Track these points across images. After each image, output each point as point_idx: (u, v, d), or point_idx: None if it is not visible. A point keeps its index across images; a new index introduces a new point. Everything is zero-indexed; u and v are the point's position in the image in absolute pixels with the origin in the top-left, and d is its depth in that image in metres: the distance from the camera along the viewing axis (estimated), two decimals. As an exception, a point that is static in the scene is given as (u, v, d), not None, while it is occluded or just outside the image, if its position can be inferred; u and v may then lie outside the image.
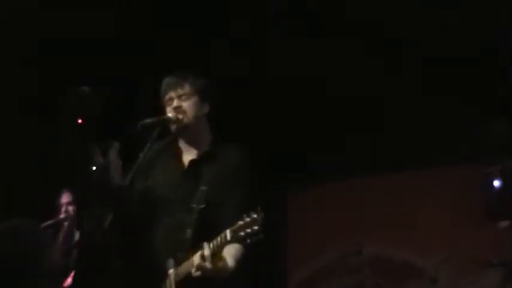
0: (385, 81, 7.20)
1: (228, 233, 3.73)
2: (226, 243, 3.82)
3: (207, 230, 4.02)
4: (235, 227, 3.73)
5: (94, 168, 4.29)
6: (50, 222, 5.66)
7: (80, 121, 5.11)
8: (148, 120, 4.21)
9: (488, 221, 6.66)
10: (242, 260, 4.05)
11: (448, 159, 7.44)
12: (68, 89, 5.09)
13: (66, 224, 5.79)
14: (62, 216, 5.79)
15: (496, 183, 6.54)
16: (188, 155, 4.35)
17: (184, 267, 3.98)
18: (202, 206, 4.15)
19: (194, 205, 4.16)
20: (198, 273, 3.84)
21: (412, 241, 7.67)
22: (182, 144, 4.37)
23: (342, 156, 7.82)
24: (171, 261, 4.12)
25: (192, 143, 4.35)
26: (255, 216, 3.69)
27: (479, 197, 6.88)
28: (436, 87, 7.26)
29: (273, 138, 7.79)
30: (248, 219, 3.68)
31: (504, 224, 6.39)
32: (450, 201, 7.40)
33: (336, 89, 7.37)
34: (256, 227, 3.67)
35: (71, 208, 5.82)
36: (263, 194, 4.53)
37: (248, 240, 3.70)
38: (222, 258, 3.88)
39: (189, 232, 4.11)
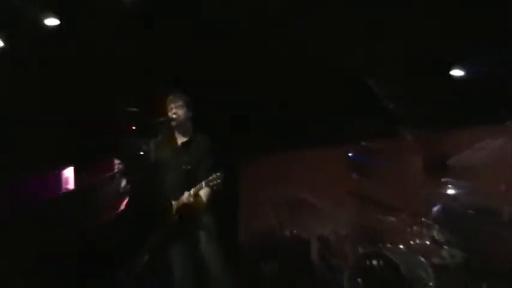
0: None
1: (203, 183, 5.59)
2: (201, 188, 5.64)
3: (192, 181, 5.78)
4: (207, 180, 5.56)
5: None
6: (110, 173, 8.06)
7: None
8: (162, 119, 5.97)
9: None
10: (211, 198, 5.78)
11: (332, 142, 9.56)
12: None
13: (117, 175, 8.06)
14: (116, 170, 8.12)
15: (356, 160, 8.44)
16: (180, 139, 6.07)
17: (180, 200, 5.76)
18: (189, 167, 5.89)
19: (184, 167, 5.94)
20: (187, 200, 5.62)
21: (315, 191, 10.03)
22: (177, 133, 6.07)
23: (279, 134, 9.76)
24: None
25: (182, 133, 6.05)
26: (217, 174, 5.52)
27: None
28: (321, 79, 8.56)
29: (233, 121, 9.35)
30: (214, 176, 5.52)
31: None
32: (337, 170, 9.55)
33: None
34: (218, 180, 5.50)
35: (121, 166, 8.09)
36: (225, 162, 5.96)
37: (214, 187, 5.51)
38: (199, 196, 5.69)
39: (182, 182, 5.86)
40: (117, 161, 8.33)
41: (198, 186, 5.63)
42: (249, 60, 8.07)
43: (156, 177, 6.14)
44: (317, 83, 8.33)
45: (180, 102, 5.98)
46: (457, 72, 8.45)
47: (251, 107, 8.89)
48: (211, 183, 5.53)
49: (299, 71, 8.30)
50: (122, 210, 7.59)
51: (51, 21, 7.21)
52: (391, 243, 7.79)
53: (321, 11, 7.10)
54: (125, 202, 7.69)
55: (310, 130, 9.48)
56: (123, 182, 8.08)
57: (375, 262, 7.22)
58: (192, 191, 5.66)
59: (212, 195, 5.82)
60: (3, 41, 7.20)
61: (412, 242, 7.62)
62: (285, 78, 8.40)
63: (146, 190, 6.37)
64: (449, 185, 7.60)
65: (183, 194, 5.79)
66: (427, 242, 7.53)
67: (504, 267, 7.39)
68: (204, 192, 5.74)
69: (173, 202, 5.85)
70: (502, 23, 7.11)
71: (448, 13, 6.95)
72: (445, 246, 7.35)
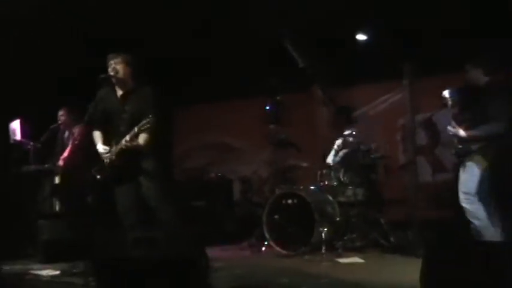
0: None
1: (136, 128, 5.85)
2: (135, 133, 5.85)
3: (132, 127, 5.97)
4: (139, 125, 5.83)
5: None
6: (55, 125, 8.66)
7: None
8: (103, 75, 6.16)
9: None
10: (148, 141, 6.00)
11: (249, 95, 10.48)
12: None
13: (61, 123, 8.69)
14: (60, 122, 8.75)
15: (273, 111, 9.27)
16: (120, 92, 6.31)
17: (119, 144, 6.04)
18: (129, 115, 6.13)
19: (125, 116, 6.18)
20: (124, 146, 5.93)
21: (238, 138, 11.24)
22: (117, 88, 6.30)
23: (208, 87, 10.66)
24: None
25: (122, 86, 6.29)
26: (148, 119, 5.76)
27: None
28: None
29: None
30: (145, 121, 5.77)
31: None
32: (253, 116, 10.32)
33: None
34: (148, 124, 5.75)
35: (63, 118, 8.72)
36: (163, 110, 6.22)
37: (146, 130, 5.81)
38: (135, 140, 5.92)
39: (124, 128, 6.11)
40: (61, 111, 8.84)
41: (132, 132, 5.91)
42: (182, 20, 8.82)
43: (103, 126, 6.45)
44: (242, 46, 9.23)
45: (119, 59, 6.21)
46: (361, 37, 9.44)
47: (185, 66, 9.78)
48: (142, 128, 5.82)
49: (227, 34, 9.05)
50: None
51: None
52: (303, 185, 8.65)
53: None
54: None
55: (234, 85, 10.30)
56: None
57: (290, 201, 8.03)
58: (127, 137, 5.94)
59: (148, 138, 6.04)
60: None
61: (321, 184, 8.55)
62: (215, 40, 9.18)
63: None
64: (354, 134, 8.61)
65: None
66: (335, 183, 8.49)
67: (396, 198, 8.58)
68: (141, 137, 5.98)
69: (112, 149, 6.19)
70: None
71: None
72: (350, 186, 8.38)
